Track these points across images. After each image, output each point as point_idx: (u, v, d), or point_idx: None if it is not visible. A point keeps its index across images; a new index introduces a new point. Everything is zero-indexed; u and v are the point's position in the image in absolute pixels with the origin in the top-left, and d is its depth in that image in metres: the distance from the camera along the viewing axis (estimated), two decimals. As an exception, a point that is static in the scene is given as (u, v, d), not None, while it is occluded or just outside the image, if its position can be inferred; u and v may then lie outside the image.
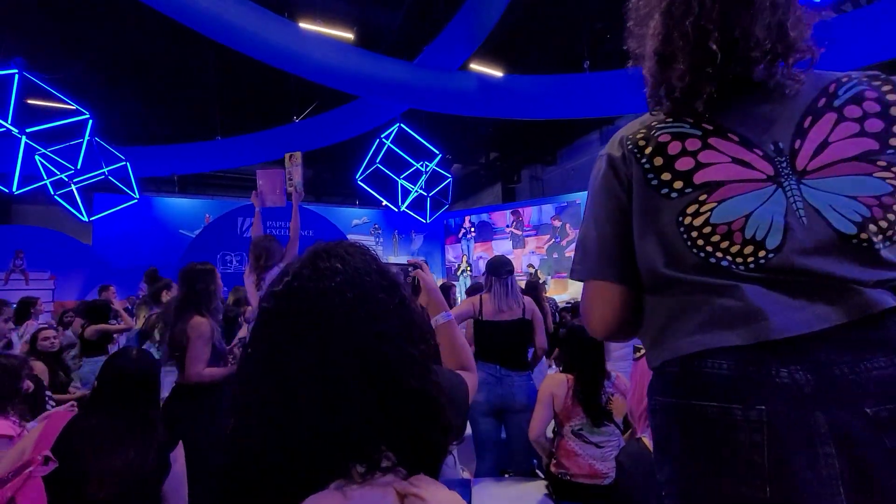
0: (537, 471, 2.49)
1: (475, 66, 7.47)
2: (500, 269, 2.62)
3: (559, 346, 3.06)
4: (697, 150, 0.66)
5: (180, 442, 1.60)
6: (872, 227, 0.58)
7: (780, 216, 0.62)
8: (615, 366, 2.71)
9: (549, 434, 2.19)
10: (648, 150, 0.70)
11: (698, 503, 0.59)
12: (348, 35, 7.27)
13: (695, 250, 0.64)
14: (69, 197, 7.48)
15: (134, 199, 8.09)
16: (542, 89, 6.71)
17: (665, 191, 0.67)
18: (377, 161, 8.29)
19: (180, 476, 1.55)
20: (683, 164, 0.66)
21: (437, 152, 8.37)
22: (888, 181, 0.59)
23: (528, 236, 10.23)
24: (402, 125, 7.75)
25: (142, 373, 1.52)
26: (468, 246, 10.83)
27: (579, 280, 0.79)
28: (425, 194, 9.21)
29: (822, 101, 0.65)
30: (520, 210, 10.40)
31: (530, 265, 9.74)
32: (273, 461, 0.61)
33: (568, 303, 6.32)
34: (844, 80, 0.66)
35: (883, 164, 0.60)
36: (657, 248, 0.68)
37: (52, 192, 7.29)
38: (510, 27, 7.17)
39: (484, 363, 2.48)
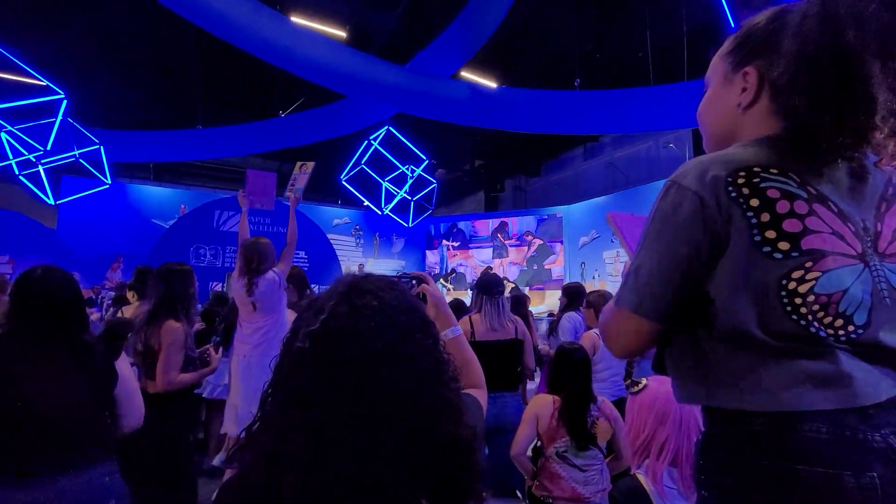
0: (518, 492, 2.47)
1: (466, 75, 7.50)
2: (491, 288, 2.59)
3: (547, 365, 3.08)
4: (805, 214, 0.64)
5: (122, 352, 1.57)
6: None
7: (867, 295, 0.64)
8: (599, 387, 2.73)
9: (529, 453, 2.19)
10: (755, 203, 0.65)
11: None
12: (340, 33, 7.18)
13: (794, 316, 0.63)
14: (35, 178, 7.14)
15: (105, 184, 7.77)
16: (532, 103, 6.78)
17: (767, 249, 0.64)
18: (362, 162, 8.21)
19: (129, 382, 1.55)
20: (791, 225, 0.63)
21: (424, 158, 8.35)
22: None
23: (512, 246, 10.29)
24: (390, 128, 7.70)
25: (54, 291, 1.43)
26: (442, 252, 10.82)
27: (622, 308, 0.74)
28: (409, 198, 9.16)
29: (890, 190, 0.69)
30: (507, 220, 10.47)
31: (505, 277, 9.79)
32: None
33: (550, 314, 6.35)
34: None
35: None
36: (750, 309, 0.65)
37: (18, 172, 6.95)
38: (504, 40, 7.23)
39: None
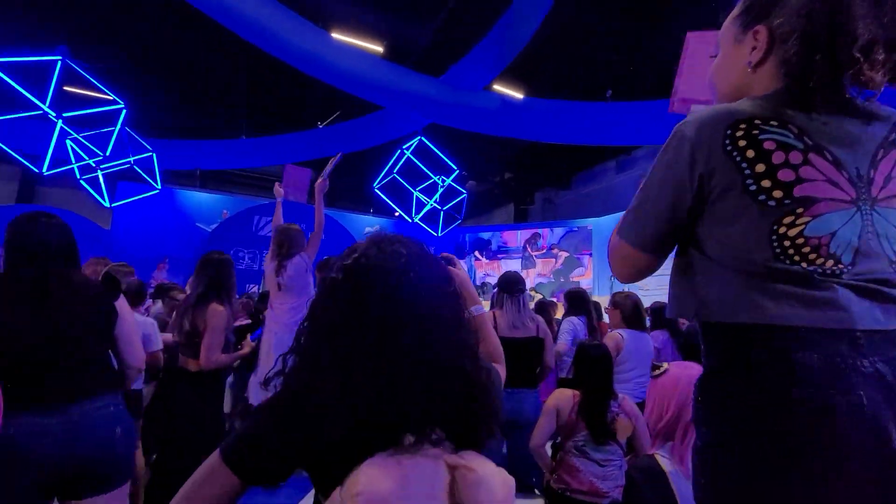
0: (535, 490, 2.50)
1: (498, 88, 7.63)
2: (512, 286, 2.65)
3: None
4: (799, 164, 0.69)
5: (121, 294, 1.65)
6: None
7: (855, 237, 0.69)
8: (623, 388, 2.74)
9: (549, 449, 2.22)
10: (751, 154, 0.70)
11: (807, 490, 0.63)
12: (378, 48, 7.46)
13: (783, 257, 0.70)
14: (94, 182, 7.68)
15: (156, 189, 8.27)
16: (563, 114, 6.84)
17: (762, 198, 0.70)
18: (395, 171, 8.44)
19: (128, 320, 1.67)
20: (785, 175, 0.69)
21: (455, 168, 8.50)
22: None
23: (539, 258, 10.27)
24: (422, 138, 7.90)
25: (42, 235, 1.49)
26: (470, 263, 10.88)
27: (623, 242, 0.84)
28: (439, 208, 9.32)
29: (892, 138, 0.73)
30: (539, 231, 10.47)
31: (532, 288, 9.78)
32: (330, 434, 0.66)
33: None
34: None
35: None
36: (740, 250, 0.72)
37: (79, 176, 7.49)
38: (536, 52, 7.35)
39: None
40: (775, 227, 0.70)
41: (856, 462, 0.61)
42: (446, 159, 8.38)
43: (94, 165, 7.35)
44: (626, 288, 4.39)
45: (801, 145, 0.70)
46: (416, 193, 8.96)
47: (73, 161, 7.23)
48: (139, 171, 7.93)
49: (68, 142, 7.04)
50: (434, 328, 0.70)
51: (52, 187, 10.12)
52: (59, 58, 6.09)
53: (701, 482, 0.73)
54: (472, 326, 0.82)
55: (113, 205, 8.23)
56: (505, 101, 7.01)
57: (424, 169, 8.42)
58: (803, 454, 0.63)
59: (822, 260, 0.69)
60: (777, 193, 0.69)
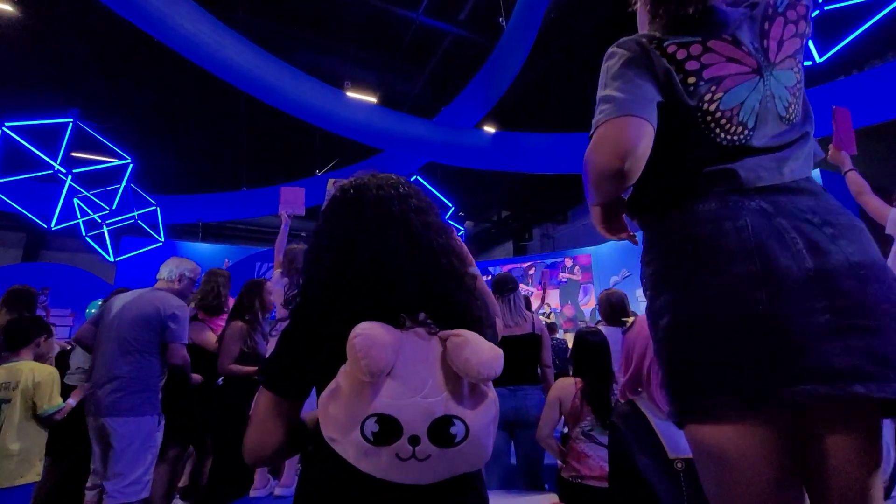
0: (546, 485, 2.41)
1: (489, 129, 7.97)
2: (503, 286, 2.67)
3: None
4: (700, 53, 0.83)
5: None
6: (791, 110, 0.84)
7: (757, 102, 0.82)
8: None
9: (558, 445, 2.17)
10: (666, 58, 0.84)
11: (706, 291, 0.73)
12: (372, 99, 7.88)
13: (706, 131, 0.82)
14: (99, 238, 7.84)
15: (159, 242, 8.43)
16: (553, 145, 7.10)
17: (683, 86, 0.82)
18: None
19: None
20: (692, 65, 0.82)
21: (450, 205, 8.72)
22: (795, 74, 0.85)
23: (536, 289, 10.28)
24: (418, 177, 8.15)
25: None
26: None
27: (610, 118, 0.78)
28: (438, 245, 9.45)
29: (771, 9, 0.85)
30: (523, 267, 10.59)
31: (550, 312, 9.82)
32: (334, 319, 0.76)
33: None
34: None
35: (797, 59, 0.85)
36: (675, 133, 0.83)
37: (85, 233, 7.66)
38: (522, 95, 7.76)
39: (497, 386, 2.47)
40: (699, 105, 0.82)
41: (744, 265, 0.71)
42: (441, 196, 8.59)
43: (99, 221, 7.53)
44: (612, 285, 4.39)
45: (700, 38, 0.83)
46: (414, 232, 9.10)
47: (79, 216, 7.42)
48: (143, 224, 8.12)
49: (76, 200, 7.26)
50: (422, 232, 0.82)
51: (56, 251, 10.32)
52: (71, 119, 6.42)
53: (653, 335, 0.82)
54: (464, 256, 0.92)
55: (117, 259, 8.36)
56: (496, 135, 7.31)
57: (421, 207, 8.62)
58: (706, 268, 0.74)
59: (732, 127, 0.81)
60: (691, 80, 0.82)
